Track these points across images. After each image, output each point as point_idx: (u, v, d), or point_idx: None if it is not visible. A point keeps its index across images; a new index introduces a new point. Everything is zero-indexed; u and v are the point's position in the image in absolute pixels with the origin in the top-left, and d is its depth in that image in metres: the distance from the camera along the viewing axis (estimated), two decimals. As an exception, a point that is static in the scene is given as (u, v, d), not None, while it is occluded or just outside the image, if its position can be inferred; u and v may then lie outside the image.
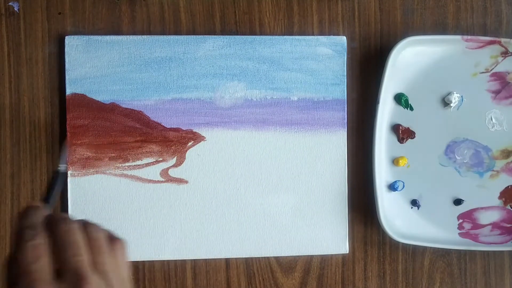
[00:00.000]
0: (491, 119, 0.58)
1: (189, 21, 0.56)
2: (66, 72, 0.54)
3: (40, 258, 0.32)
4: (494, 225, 0.58)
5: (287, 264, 0.57)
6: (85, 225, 0.35)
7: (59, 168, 0.50)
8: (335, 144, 0.57)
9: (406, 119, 0.57)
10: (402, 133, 0.57)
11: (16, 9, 0.55)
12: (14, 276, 0.32)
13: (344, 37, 0.57)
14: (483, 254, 0.59)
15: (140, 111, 0.55)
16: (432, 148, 0.57)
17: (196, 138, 0.56)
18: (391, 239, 0.55)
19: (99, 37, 0.55)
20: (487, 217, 0.58)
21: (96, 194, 0.55)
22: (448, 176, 0.57)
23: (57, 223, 0.34)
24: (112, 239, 0.36)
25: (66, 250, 0.33)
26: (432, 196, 0.57)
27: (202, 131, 0.56)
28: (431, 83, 0.57)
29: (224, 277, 0.57)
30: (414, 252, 0.58)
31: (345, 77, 0.57)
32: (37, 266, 0.32)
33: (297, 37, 0.56)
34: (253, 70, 0.56)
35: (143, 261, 0.56)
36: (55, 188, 0.48)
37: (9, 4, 0.55)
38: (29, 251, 0.32)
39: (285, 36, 0.56)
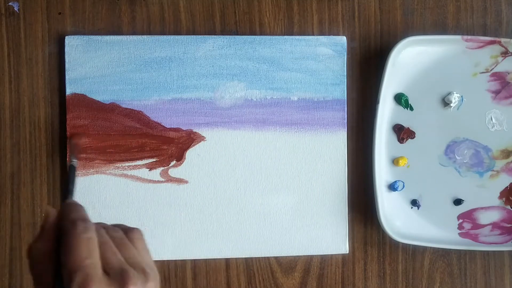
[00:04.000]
0: (491, 119, 0.58)
1: (189, 21, 0.56)
2: (66, 72, 0.54)
3: (93, 253, 0.31)
4: (494, 225, 0.58)
5: (287, 264, 0.57)
6: (104, 227, 0.35)
7: (72, 162, 0.50)
8: (335, 144, 0.57)
9: (406, 119, 0.57)
10: (402, 133, 0.57)
11: (16, 9, 0.55)
12: (68, 271, 0.30)
13: (344, 37, 0.57)
14: (483, 254, 0.59)
15: (140, 111, 0.55)
16: (432, 148, 0.57)
17: (196, 138, 0.56)
18: (391, 239, 0.55)
19: (99, 37, 0.55)
20: (487, 217, 0.58)
21: (96, 194, 0.55)
22: (448, 176, 0.57)
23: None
24: (128, 231, 0.36)
25: (107, 249, 0.32)
26: (432, 196, 0.57)
27: (202, 131, 0.56)
28: (431, 83, 0.57)
29: (224, 277, 0.57)
30: (414, 252, 0.58)
31: (345, 77, 0.57)
32: (92, 261, 0.31)
33: (297, 37, 0.56)
34: (253, 70, 0.56)
35: (143, 261, 0.56)
36: (74, 182, 0.48)
37: (9, 4, 0.55)
38: (84, 245, 0.31)
39: (285, 36, 0.56)
